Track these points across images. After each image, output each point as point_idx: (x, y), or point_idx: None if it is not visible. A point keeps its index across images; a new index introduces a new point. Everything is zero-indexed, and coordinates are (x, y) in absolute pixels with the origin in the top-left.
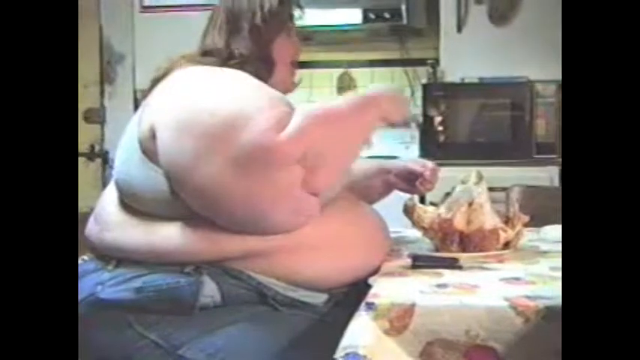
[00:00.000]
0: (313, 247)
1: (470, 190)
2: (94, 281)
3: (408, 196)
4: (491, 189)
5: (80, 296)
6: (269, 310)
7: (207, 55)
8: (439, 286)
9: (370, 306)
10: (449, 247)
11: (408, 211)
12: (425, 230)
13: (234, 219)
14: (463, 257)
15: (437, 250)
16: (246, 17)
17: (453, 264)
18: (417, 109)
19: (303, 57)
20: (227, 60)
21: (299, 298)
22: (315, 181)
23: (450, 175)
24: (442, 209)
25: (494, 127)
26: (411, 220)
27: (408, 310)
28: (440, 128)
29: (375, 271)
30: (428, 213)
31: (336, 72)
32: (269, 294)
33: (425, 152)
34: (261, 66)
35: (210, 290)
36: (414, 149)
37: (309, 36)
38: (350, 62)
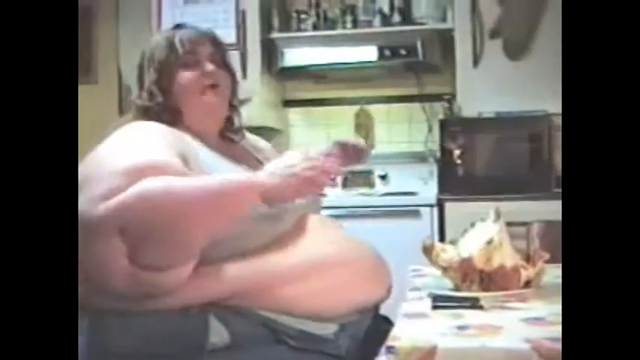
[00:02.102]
0: (302, 277)
1: (489, 227)
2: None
3: (424, 235)
4: (510, 224)
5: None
6: (284, 350)
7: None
8: (460, 327)
9: (391, 350)
10: (469, 287)
11: (427, 250)
12: (444, 269)
13: (81, 281)
14: (484, 297)
15: (457, 289)
16: (144, 71)
17: (474, 304)
18: (434, 145)
19: (320, 95)
20: (135, 113)
21: (309, 330)
22: (140, 256)
23: (469, 210)
24: (461, 248)
25: (513, 161)
26: (430, 260)
27: (430, 353)
28: (458, 162)
29: (382, 299)
30: (447, 252)
31: (353, 109)
32: (278, 328)
33: (443, 187)
34: (163, 112)
35: (217, 330)
36: (433, 184)
37: (327, 74)
38: (366, 99)
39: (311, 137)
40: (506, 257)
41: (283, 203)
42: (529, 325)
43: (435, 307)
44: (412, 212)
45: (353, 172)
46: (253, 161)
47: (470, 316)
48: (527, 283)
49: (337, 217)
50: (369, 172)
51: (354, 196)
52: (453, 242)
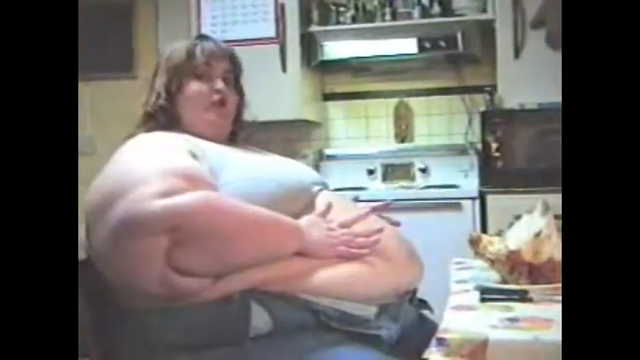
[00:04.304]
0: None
1: (536, 220)
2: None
3: (466, 228)
4: (557, 216)
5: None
6: (325, 333)
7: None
8: (510, 320)
9: (441, 342)
10: (517, 280)
11: (474, 242)
12: (492, 262)
13: (112, 283)
14: (533, 289)
15: (504, 282)
16: (157, 73)
17: (522, 296)
18: (475, 137)
19: (359, 88)
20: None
21: (349, 311)
22: (176, 259)
23: (511, 203)
24: (508, 240)
25: (555, 152)
26: (477, 252)
27: (481, 346)
28: (499, 155)
29: (417, 281)
30: (494, 245)
31: (393, 102)
32: (319, 310)
33: (484, 180)
34: (163, 116)
35: (259, 316)
36: (474, 177)
37: (366, 67)
38: (406, 92)
39: (350, 130)
40: (555, 250)
41: (315, 258)
42: None
43: (483, 300)
44: (453, 205)
45: (393, 166)
46: (263, 155)
47: (519, 308)
48: None
49: None
50: (410, 165)
51: (395, 189)
52: (500, 234)
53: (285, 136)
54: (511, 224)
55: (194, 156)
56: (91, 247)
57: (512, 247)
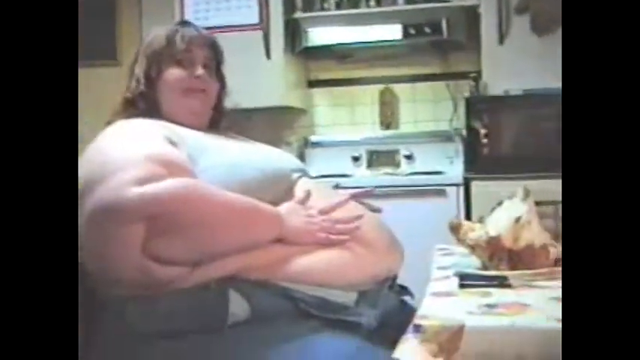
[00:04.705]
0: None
1: (517, 206)
2: None
3: (450, 214)
4: (538, 203)
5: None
6: (304, 320)
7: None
8: (488, 306)
9: (418, 328)
10: (497, 265)
11: (454, 228)
12: (472, 248)
13: (89, 271)
14: (512, 275)
15: (485, 268)
16: (137, 60)
17: (502, 282)
18: (460, 123)
19: (344, 74)
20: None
21: (328, 298)
22: (154, 247)
23: (495, 189)
24: (489, 227)
25: (541, 139)
26: (457, 238)
27: (457, 332)
28: (484, 141)
29: (397, 267)
30: (474, 231)
31: (378, 88)
32: (298, 297)
33: (470, 166)
34: (142, 102)
35: (238, 303)
36: (459, 163)
37: (351, 53)
38: (391, 78)
39: (335, 117)
40: (535, 236)
41: (295, 245)
42: (559, 303)
43: (462, 286)
44: (438, 191)
45: (378, 153)
46: (243, 142)
47: (498, 294)
48: (557, 262)
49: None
50: (395, 152)
51: (380, 175)
52: (481, 220)
53: (270, 124)
54: (492, 209)
55: (172, 143)
56: None
57: (493, 233)
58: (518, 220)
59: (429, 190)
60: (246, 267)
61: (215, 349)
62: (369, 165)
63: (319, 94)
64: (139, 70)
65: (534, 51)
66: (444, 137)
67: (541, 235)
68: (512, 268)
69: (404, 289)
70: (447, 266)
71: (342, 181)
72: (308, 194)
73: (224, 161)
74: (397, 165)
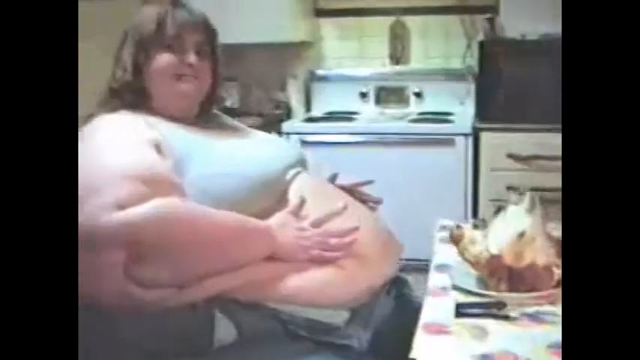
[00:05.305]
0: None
1: (521, 216)
2: None
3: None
4: (550, 158)
5: None
6: (293, 342)
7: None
8: (483, 356)
9: None
10: (497, 284)
11: (454, 239)
12: (471, 264)
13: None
14: (511, 299)
15: (484, 282)
16: (124, 44)
17: (500, 308)
18: (472, 61)
19: (353, 4)
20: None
21: (317, 318)
22: (137, 272)
23: (503, 141)
24: (490, 240)
25: (557, 87)
26: (457, 251)
27: None
28: (496, 87)
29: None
30: (475, 246)
31: (388, 20)
32: (286, 319)
33: (481, 110)
34: (129, 94)
35: (224, 326)
36: (470, 105)
37: None
38: (403, 9)
39: (344, 50)
40: (538, 254)
41: (286, 262)
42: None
43: (458, 315)
44: (447, 141)
45: (387, 89)
46: (233, 137)
47: (495, 332)
48: (559, 283)
49: (369, 143)
50: (404, 89)
51: (386, 122)
52: (483, 226)
53: (275, 56)
54: (496, 212)
55: (158, 147)
56: None
57: (494, 250)
58: (521, 235)
59: (437, 139)
60: (235, 287)
61: None
62: (377, 102)
63: (327, 25)
64: (127, 56)
65: None
66: (456, 76)
67: (545, 253)
68: (513, 288)
69: (403, 282)
70: (445, 265)
71: (347, 125)
72: (302, 202)
73: (212, 171)
74: (406, 102)
